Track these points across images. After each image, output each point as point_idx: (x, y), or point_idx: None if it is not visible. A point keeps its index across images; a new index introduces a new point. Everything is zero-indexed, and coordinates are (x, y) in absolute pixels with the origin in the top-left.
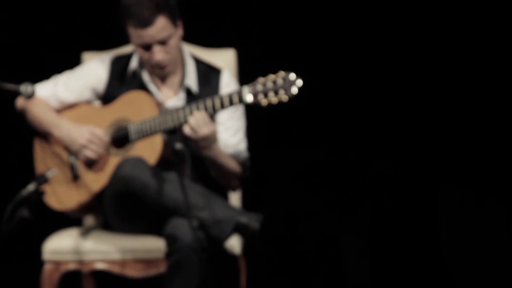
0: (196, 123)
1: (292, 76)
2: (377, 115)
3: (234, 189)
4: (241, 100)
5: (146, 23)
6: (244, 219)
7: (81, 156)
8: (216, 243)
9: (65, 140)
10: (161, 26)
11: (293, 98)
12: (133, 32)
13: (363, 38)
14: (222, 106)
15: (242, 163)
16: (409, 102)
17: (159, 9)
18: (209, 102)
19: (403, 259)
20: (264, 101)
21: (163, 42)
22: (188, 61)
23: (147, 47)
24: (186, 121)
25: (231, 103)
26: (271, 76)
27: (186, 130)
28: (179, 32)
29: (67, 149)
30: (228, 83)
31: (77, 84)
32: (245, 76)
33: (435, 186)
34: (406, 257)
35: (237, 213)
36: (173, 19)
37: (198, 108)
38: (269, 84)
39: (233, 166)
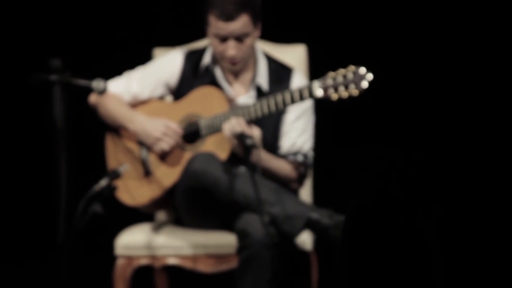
0: (232, 128)
1: (362, 70)
2: (448, 112)
3: (293, 190)
4: (311, 94)
5: (229, 17)
6: (315, 215)
7: (155, 149)
8: (287, 239)
9: (140, 134)
10: (242, 23)
11: (363, 92)
12: (213, 22)
13: (435, 32)
14: (292, 101)
15: (304, 165)
16: (479, 101)
17: (244, 7)
18: (279, 97)
19: (477, 260)
20: (334, 96)
21: (239, 39)
22: (260, 59)
23: (223, 39)
24: (256, 118)
25: (301, 97)
26: (341, 71)
27: (226, 135)
28: (257, 32)
29: (139, 144)
30: (299, 82)
31: (150, 79)
32: (316, 72)
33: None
34: (480, 257)
35: (308, 209)
36: (255, 19)
37: (268, 103)
38: (339, 79)
39: (285, 169)
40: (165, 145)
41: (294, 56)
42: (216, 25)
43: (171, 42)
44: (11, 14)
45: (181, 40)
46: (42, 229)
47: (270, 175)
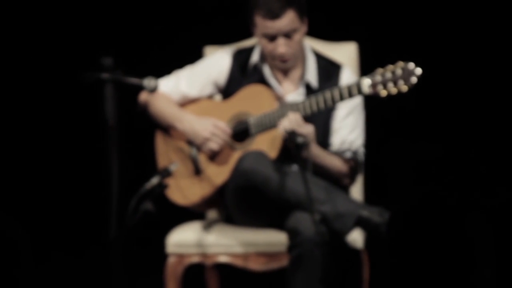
0: (289, 125)
1: (411, 65)
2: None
3: (345, 186)
4: (360, 91)
5: (274, 15)
6: (366, 213)
7: (204, 149)
8: (338, 237)
9: (188, 133)
10: (288, 20)
11: (412, 88)
12: (260, 22)
13: (487, 29)
14: (341, 98)
15: (354, 161)
16: None
17: (289, 3)
18: (328, 94)
19: None
20: (383, 92)
21: (288, 36)
22: (309, 56)
23: (272, 38)
24: (305, 115)
25: (350, 94)
26: (390, 67)
27: (279, 131)
28: (304, 28)
29: (189, 143)
30: (348, 78)
31: (199, 78)
32: (367, 69)
33: None
34: None
35: (359, 207)
36: (301, 14)
37: (317, 101)
38: (388, 75)
39: (338, 165)
40: (214, 145)
41: (345, 54)
42: (263, 24)
43: (222, 40)
44: (64, 13)
45: (232, 39)
46: (95, 226)
47: (322, 171)
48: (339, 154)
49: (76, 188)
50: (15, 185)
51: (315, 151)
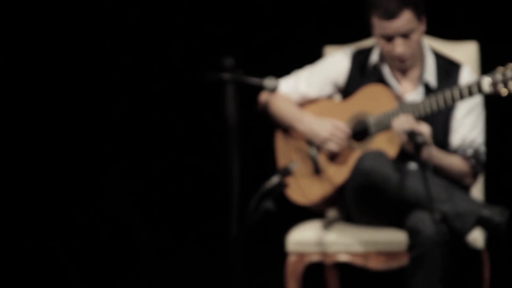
0: (401, 124)
1: None
2: None
3: (466, 186)
4: (480, 90)
5: (391, 15)
6: (487, 212)
7: (323, 149)
8: (458, 237)
9: (308, 134)
10: (405, 19)
11: None
12: (377, 23)
13: None
14: (461, 97)
15: (475, 160)
16: None
17: (405, 2)
18: (447, 94)
19: None
20: (503, 91)
21: (405, 36)
22: (427, 56)
23: (389, 39)
24: (425, 115)
25: (470, 93)
26: (511, 65)
27: (396, 132)
28: (422, 27)
29: (308, 143)
30: (468, 77)
31: (319, 78)
32: (487, 69)
33: None
34: None
35: (479, 206)
36: (418, 14)
37: (437, 100)
38: (509, 73)
39: (458, 165)
40: (333, 145)
41: (465, 53)
42: (380, 25)
43: (342, 40)
44: (187, 14)
45: (351, 39)
46: (216, 225)
47: (442, 171)
48: (459, 153)
49: (198, 187)
50: (142, 182)
51: (433, 151)
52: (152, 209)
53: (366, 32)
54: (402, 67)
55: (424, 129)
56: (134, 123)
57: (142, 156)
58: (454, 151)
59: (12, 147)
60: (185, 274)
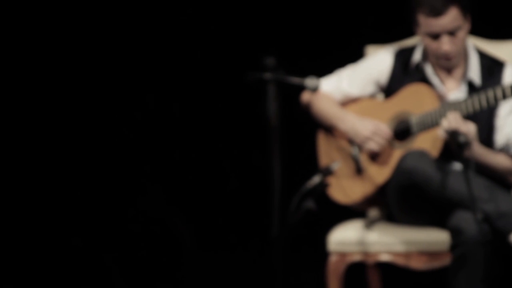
0: (449, 123)
1: None
2: None
3: (511, 184)
4: None
5: (438, 12)
6: None
7: (365, 148)
8: (500, 236)
9: (349, 133)
10: (452, 17)
11: None
12: (423, 20)
13: None
14: (504, 97)
15: None
16: None
17: (452, 0)
18: (490, 93)
19: None
20: None
21: (452, 33)
22: (471, 54)
23: (435, 37)
24: (467, 114)
25: None
26: None
27: (440, 132)
28: (468, 25)
29: (350, 142)
30: (511, 76)
31: (361, 77)
32: None
33: None
34: None
35: None
36: (464, 11)
37: (479, 100)
38: None
39: (503, 163)
40: (374, 145)
41: (509, 52)
42: (427, 22)
43: (383, 40)
44: (228, 13)
45: (393, 38)
46: (257, 224)
47: (487, 170)
48: (504, 151)
49: (240, 187)
50: (183, 182)
51: (478, 150)
52: (193, 208)
53: (407, 32)
54: (447, 65)
55: (470, 128)
56: (177, 122)
57: (184, 156)
58: (499, 150)
59: (54, 147)
60: (227, 274)
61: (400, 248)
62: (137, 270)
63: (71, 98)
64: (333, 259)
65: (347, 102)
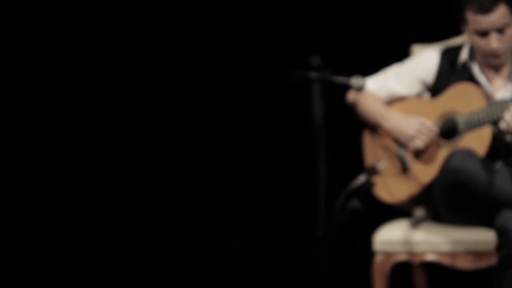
0: (511, 118)
1: None
2: None
3: None
4: None
5: (486, 9)
6: None
7: (410, 146)
8: None
9: (394, 131)
10: (501, 14)
11: None
12: (471, 17)
13: None
14: None
15: None
16: None
17: None
18: None
19: None
20: None
21: (500, 30)
22: None
23: (483, 34)
24: None
25: None
26: None
27: (502, 125)
28: None
29: (396, 141)
30: None
31: (406, 76)
32: None
33: None
34: None
35: None
36: None
37: None
38: None
39: None
40: (419, 142)
41: None
42: (475, 19)
43: (429, 39)
44: (274, 13)
45: (438, 37)
46: (303, 224)
47: None
48: None
49: (285, 186)
50: (229, 183)
51: None
52: (239, 209)
53: (453, 31)
54: (495, 63)
55: None
56: (223, 122)
57: (229, 156)
58: None
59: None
60: (273, 274)
61: (446, 247)
62: (183, 271)
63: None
64: (378, 258)
65: (393, 101)
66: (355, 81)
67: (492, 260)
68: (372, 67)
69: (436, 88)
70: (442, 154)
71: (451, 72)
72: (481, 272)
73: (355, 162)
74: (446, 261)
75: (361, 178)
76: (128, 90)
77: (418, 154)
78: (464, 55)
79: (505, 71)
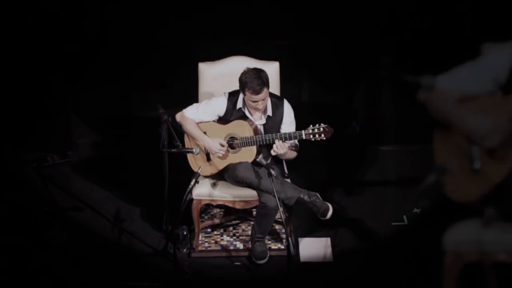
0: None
1: None
2: None
3: None
4: None
5: None
6: None
7: (482, 146)
8: None
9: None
10: None
11: None
12: None
13: None
14: None
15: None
16: None
17: None
18: None
19: None
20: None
21: None
22: None
23: None
24: None
25: None
26: None
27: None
28: None
29: (468, 140)
30: None
31: (479, 74)
32: None
33: None
34: None
35: None
36: None
37: None
38: None
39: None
40: (494, 142)
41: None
42: None
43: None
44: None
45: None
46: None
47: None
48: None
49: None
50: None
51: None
52: None
53: None
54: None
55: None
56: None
57: None
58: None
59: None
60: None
61: None
62: None
63: None
64: (449, 258)
65: (464, 99)
66: (425, 80)
67: None
68: (442, 66)
69: (508, 86)
70: None
71: None
72: None
73: (425, 162)
74: None
75: (431, 178)
76: None
77: (490, 152)
78: None
79: None
